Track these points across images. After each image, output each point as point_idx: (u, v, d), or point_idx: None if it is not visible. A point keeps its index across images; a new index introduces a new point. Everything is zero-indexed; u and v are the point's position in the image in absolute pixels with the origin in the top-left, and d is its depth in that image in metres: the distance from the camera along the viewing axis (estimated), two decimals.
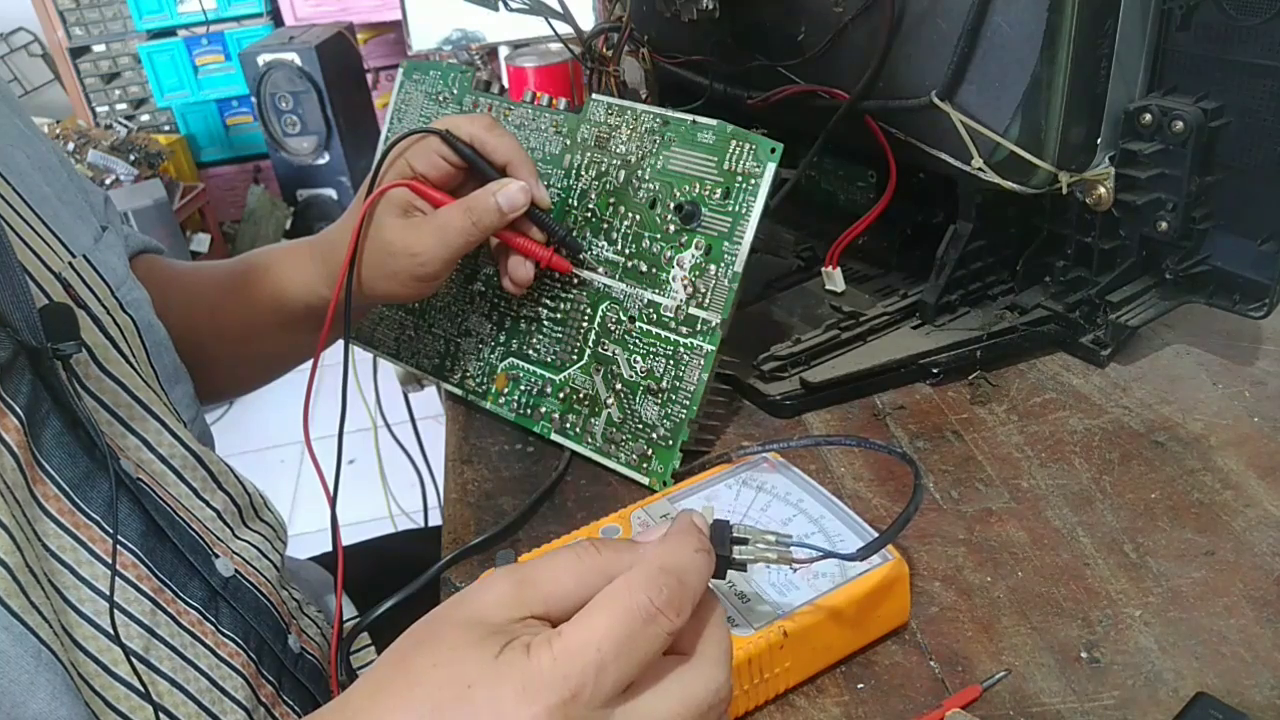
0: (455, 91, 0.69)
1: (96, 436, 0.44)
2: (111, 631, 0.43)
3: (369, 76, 2.80)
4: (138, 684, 0.43)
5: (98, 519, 0.44)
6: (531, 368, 0.64)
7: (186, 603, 0.48)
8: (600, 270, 0.61)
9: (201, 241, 2.62)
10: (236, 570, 0.51)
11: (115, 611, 0.43)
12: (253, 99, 2.53)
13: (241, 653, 0.50)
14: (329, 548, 0.61)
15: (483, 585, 0.35)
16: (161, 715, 0.44)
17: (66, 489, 0.44)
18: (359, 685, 0.35)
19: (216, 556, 0.51)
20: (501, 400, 0.65)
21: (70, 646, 0.42)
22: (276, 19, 2.77)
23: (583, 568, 0.35)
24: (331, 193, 2.63)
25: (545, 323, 0.64)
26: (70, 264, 0.50)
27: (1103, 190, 0.61)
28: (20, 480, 0.41)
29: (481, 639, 0.33)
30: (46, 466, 0.43)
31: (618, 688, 0.32)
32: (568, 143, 0.64)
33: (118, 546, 0.45)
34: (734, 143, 0.56)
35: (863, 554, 0.43)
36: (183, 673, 0.46)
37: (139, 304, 0.55)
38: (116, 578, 0.44)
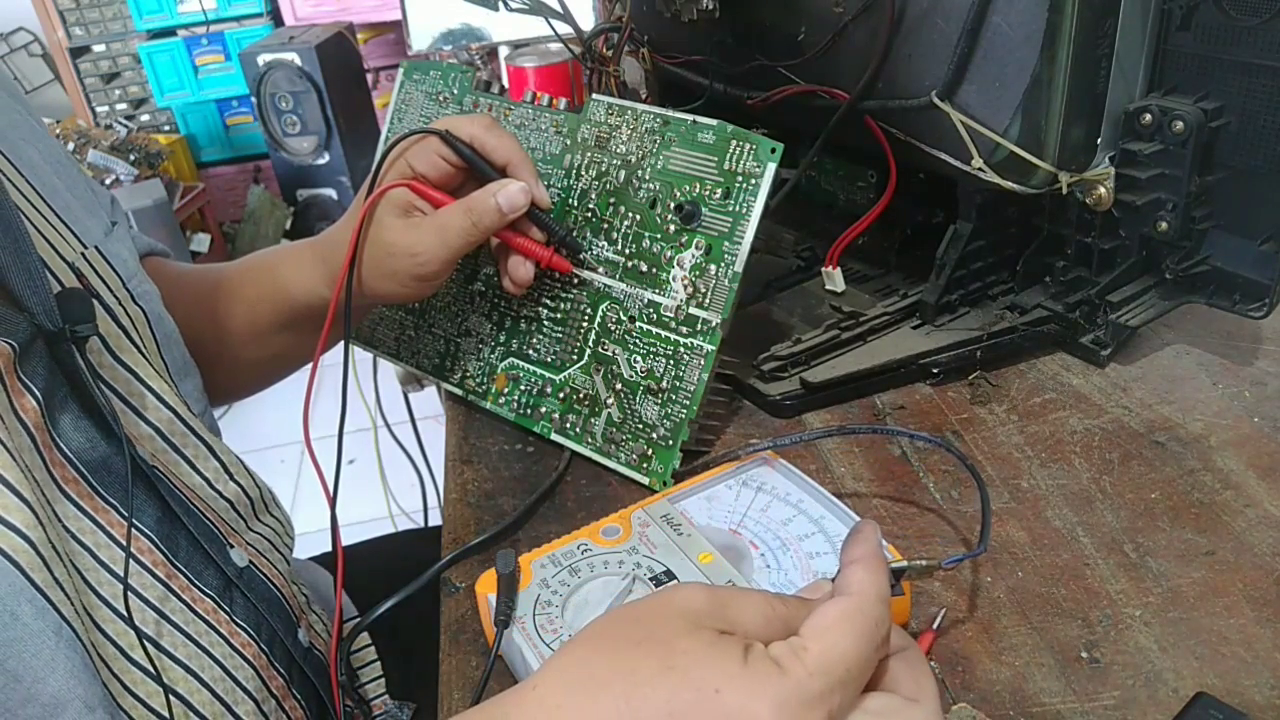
0: (455, 91, 0.69)
1: (114, 422, 0.44)
2: (126, 614, 0.43)
3: (369, 76, 2.80)
4: (152, 668, 0.44)
5: (115, 503, 0.45)
6: (531, 368, 0.64)
7: (202, 590, 0.48)
8: (600, 270, 0.61)
9: (201, 241, 2.62)
10: (251, 561, 0.52)
11: (130, 595, 0.44)
12: (253, 99, 2.53)
13: (253, 643, 0.50)
14: (329, 548, 0.61)
15: (680, 591, 0.35)
16: (175, 700, 0.44)
17: (85, 472, 0.44)
18: (554, 683, 0.33)
19: (231, 546, 0.51)
20: (501, 400, 0.65)
21: (90, 628, 0.42)
22: (276, 19, 2.77)
23: (772, 614, 0.35)
24: (331, 193, 2.63)
25: (545, 323, 0.64)
26: (83, 254, 0.50)
27: (1103, 190, 0.61)
28: (39, 461, 0.42)
29: (715, 641, 0.32)
30: (65, 450, 0.44)
31: (852, 709, 0.33)
32: (568, 143, 0.64)
33: (134, 532, 0.45)
34: (734, 143, 0.56)
35: (973, 555, 0.48)
36: (197, 660, 0.46)
37: (149, 296, 0.55)
38: (132, 562, 0.44)
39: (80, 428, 0.45)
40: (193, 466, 0.51)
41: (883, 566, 0.36)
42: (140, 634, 0.43)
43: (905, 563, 0.42)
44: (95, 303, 0.47)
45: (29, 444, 0.41)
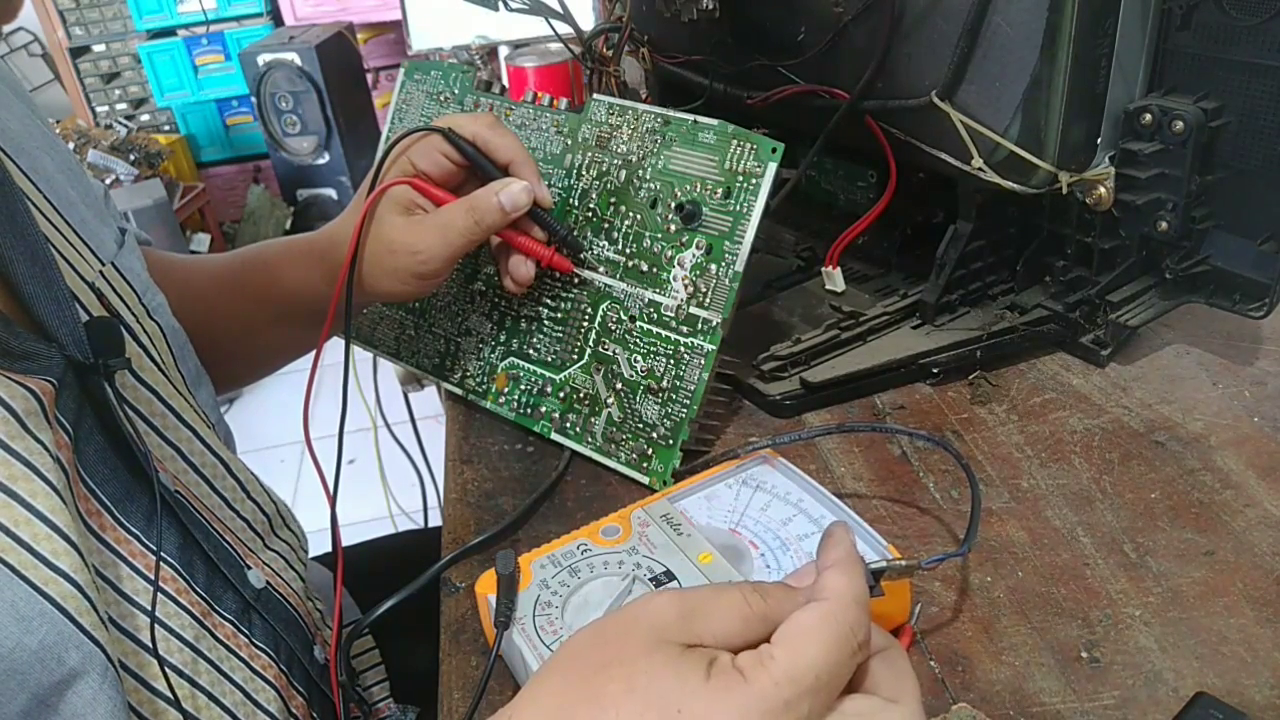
0: (456, 91, 0.69)
1: (143, 457, 0.44)
2: (151, 646, 0.42)
3: (369, 76, 2.81)
4: (175, 698, 0.43)
5: (138, 533, 0.44)
6: (532, 367, 0.64)
7: (222, 615, 0.48)
8: (601, 270, 0.61)
9: (201, 241, 2.62)
10: (268, 582, 0.51)
11: (156, 626, 0.43)
12: (253, 99, 2.53)
13: (273, 665, 0.50)
14: (329, 548, 0.61)
15: (647, 606, 0.34)
16: None
17: (109, 504, 0.43)
18: (528, 712, 0.33)
19: (249, 568, 0.50)
20: (501, 400, 0.65)
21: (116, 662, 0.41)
22: (276, 19, 2.77)
23: (750, 614, 0.34)
24: (331, 193, 2.63)
25: (546, 322, 0.64)
26: (101, 273, 0.49)
27: (1103, 190, 0.61)
28: (70, 498, 0.41)
29: (677, 659, 0.32)
30: (89, 482, 0.43)
31: (826, 714, 0.32)
32: (569, 142, 0.64)
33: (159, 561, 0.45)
34: (735, 142, 0.56)
35: (962, 553, 0.47)
36: (219, 686, 0.46)
37: (161, 309, 0.54)
38: (158, 593, 0.44)
39: (105, 459, 0.44)
40: (211, 486, 0.51)
41: (859, 569, 0.36)
42: (164, 664, 0.43)
43: (884, 563, 0.41)
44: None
45: (65, 482, 0.40)
